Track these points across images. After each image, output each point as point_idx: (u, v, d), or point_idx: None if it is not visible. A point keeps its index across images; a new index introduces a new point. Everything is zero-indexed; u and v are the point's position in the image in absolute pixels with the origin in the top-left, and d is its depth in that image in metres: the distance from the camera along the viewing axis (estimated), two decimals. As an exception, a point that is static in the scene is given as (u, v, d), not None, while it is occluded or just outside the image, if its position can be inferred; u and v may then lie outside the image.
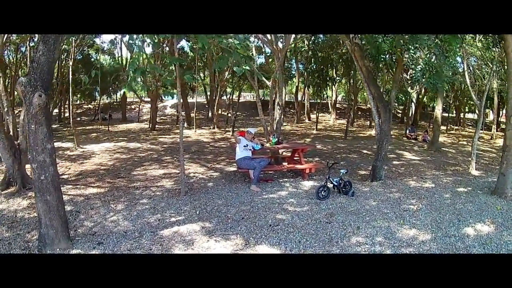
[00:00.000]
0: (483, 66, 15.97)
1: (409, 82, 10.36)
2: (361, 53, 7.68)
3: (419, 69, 7.47)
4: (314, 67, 18.86)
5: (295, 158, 8.51)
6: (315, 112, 23.99)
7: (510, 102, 6.57)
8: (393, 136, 18.19)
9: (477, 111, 15.06)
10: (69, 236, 4.30)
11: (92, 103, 33.19)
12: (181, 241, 4.48)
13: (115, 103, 34.24)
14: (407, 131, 19.06)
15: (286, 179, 7.77)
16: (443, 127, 20.60)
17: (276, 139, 8.33)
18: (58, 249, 4.09)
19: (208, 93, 24.32)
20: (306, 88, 26.86)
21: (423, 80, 7.53)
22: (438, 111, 14.80)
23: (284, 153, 10.01)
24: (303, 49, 20.38)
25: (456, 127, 27.42)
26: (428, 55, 7.85)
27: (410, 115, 24.27)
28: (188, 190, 6.72)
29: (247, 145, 7.28)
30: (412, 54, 7.61)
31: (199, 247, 4.32)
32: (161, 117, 27.54)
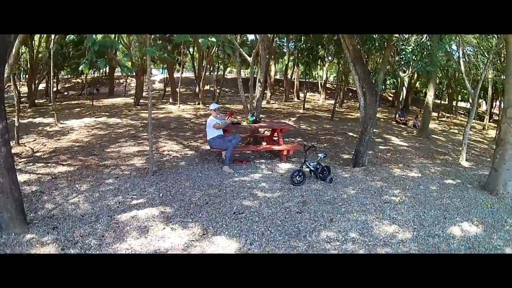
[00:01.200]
0: (479, 56, 15.63)
1: (401, 64, 9.97)
2: (348, 31, 7.20)
3: (410, 50, 7.06)
4: (304, 45, 18.24)
5: (274, 138, 8.09)
6: (304, 91, 23.59)
7: (507, 94, 6.05)
8: (381, 119, 17.92)
9: (470, 100, 14.71)
10: (25, 220, 4.02)
11: (81, 77, 32.11)
12: (136, 227, 4.11)
13: (103, 77, 33.34)
14: (397, 115, 18.75)
15: (263, 160, 7.35)
16: (434, 114, 20.35)
17: (254, 117, 7.84)
18: (13, 234, 3.79)
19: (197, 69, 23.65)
20: (295, 67, 26.23)
21: (413, 62, 7.13)
22: (430, 97, 14.53)
23: (265, 132, 9.61)
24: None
25: (448, 115, 27.18)
26: (421, 36, 7.40)
27: (401, 99, 23.94)
28: (158, 170, 6.34)
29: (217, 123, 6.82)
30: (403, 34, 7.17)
31: (153, 235, 3.95)
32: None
